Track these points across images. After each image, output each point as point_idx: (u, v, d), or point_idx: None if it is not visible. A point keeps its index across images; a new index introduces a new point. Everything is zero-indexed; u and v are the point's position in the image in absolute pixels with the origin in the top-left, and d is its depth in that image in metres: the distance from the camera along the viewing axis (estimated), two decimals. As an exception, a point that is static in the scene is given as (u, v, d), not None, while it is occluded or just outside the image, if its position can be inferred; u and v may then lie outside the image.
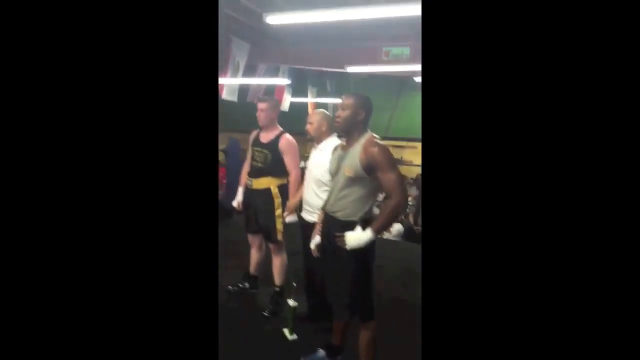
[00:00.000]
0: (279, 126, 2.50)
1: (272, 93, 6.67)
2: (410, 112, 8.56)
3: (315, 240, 1.83)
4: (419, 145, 8.58)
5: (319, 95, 8.28)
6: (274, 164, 2.40)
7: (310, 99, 8.06)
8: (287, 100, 7.54)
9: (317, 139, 2.13)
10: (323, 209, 1.76)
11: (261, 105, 2.45)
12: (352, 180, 1.61)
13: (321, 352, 1.99)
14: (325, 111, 2.18)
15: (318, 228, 1.83)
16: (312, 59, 5.45)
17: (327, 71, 6.66)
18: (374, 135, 1.65)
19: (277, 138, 2.41)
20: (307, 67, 5.87)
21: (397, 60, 5.61)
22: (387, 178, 1.53)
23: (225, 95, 5.33)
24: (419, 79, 8.85)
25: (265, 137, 2.47)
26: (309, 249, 2.13)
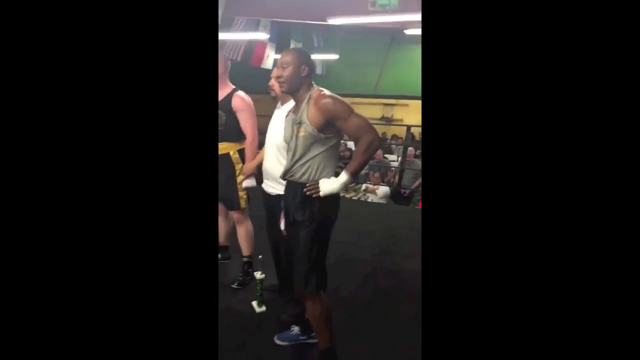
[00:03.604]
0: (230, 84, 2.24)
1: (252, 50, 6.28)
2: (400, 67, 8.16)
3: (283, 222, 1.67)
4: (410, 102, 8.26)
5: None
6: (229, 126, 2.17)
7: (295, 55, 7.63)
8: (270, 58, 7.13)
9: (283, 98, 1.90)
10: (282, 177, 1.59)
11: None
12: (309, 141, 1.48)
13: (295, 329, 1.89)
14: None
15: (284, 209, 1.66)
16: (292, 10, 5.04)
17: (312, 24, 6.24)
18: (321, 88, 1.52)
19: (229, 97, 2.17)
20: (289, 20, 5.47)
21: (384, 10, 5.21)
22: (351, 123, 1.44)
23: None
24: (409, 32, 8.37)
25: None
26: (271, 222, 1.99)
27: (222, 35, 5.24)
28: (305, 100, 1.50)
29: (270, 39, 6.42)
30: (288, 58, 1.52)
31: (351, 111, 1.45)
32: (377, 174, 4.97)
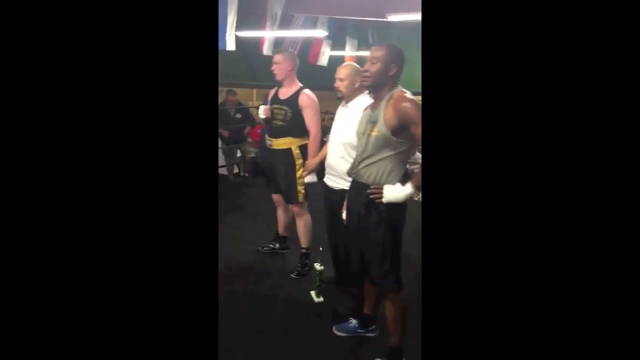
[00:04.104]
0: (298, 81, 2.33)
1: (308, 47, 6.38)
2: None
3: (345, 215, 1.70)
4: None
5: (359, 47, 7.82)
6: (294, 122, 2.26)
7: (349, 52, 7.65)
8: (326, 54, 7.19)
9: (348, 97, 1.94)
10: (349, 174, 1.63)
11: (277, 58, 2.28)
12: (380, 142, 1.47)
13: (353, 322, 1.94)
14: (357, 65, 1.97)
15: (347, 203, 1.68)
16: (352, 7, 5.06)
17: (368, 21, 6.21)
18: (403, 90, 1.49)
19: (297, 94, 2.26)
20: (346, 17, 5.49)
21: (445, 6, 5.06)
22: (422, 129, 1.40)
23: (265, 50, 5.16)
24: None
25: (284, 93, 2.33)
26: (332, 216, 2.04)
27: (281, 33, 5.37)
28: (385, 100, 1.47)
29: (327, 36, 6.47)
30: (378, 54, 1.46)
31: None
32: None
